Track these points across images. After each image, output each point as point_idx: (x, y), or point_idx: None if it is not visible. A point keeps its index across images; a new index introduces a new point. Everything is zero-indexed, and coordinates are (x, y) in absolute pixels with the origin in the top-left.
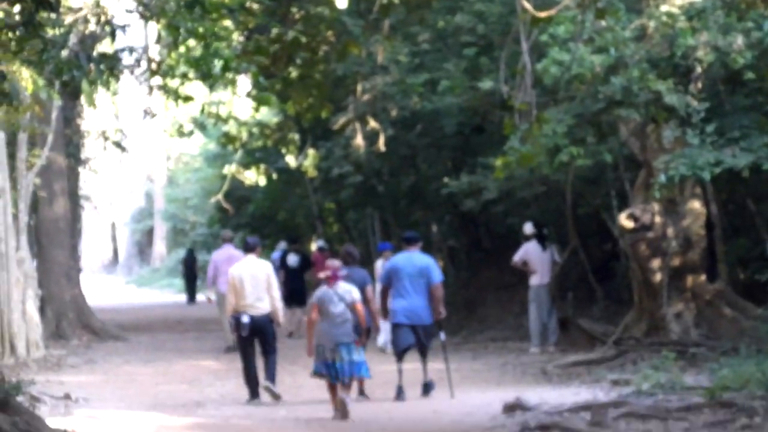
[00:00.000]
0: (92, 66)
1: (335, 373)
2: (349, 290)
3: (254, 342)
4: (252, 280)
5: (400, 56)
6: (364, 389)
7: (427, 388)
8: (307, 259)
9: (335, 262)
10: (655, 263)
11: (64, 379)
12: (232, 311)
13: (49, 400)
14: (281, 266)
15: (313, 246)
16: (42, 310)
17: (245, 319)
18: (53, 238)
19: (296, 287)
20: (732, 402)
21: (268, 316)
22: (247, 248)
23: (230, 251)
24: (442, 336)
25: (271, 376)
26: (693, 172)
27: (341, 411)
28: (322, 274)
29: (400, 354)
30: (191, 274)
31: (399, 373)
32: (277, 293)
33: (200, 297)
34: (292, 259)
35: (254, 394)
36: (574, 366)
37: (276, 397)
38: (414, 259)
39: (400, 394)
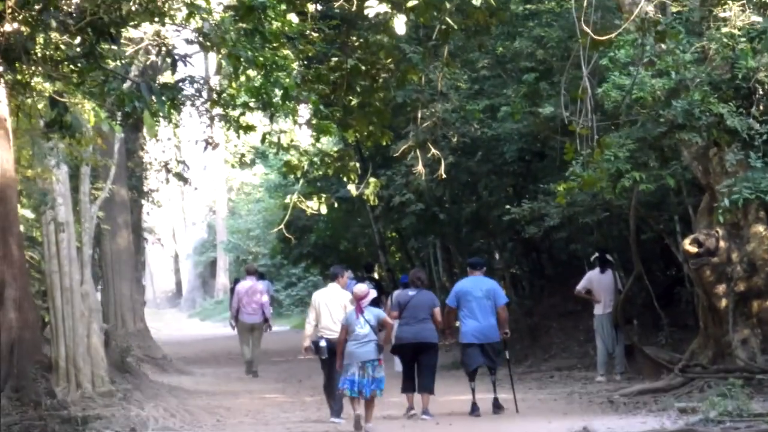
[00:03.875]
0: (154, 97)
1: (358, 388)
2: (374, 314)
3: (332, 362)
4: (329, 306)
5: (460, 82)
6: (428, 408)
7: (497, 404)
8: (381, 287)
9: (364, 289)
10: (720, 288)
11: (130, 414)
12: (310, 335)
13: None
14: None
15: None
16: (107, 344)
17: (323, 342)
18: (117, 270)
19: None
20: None
21: None
22: (330, 277)
23: (251, 283)
24: (507, 354)
25: (337, 410)
26: (756, 196)
27: (356, 425)
28: (350, 300)
29: (471, 373)
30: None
31: (472, 390)
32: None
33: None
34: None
35: (335, 412)
36: (641, 394)
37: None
38: (480, 282)
39: (474, 410)
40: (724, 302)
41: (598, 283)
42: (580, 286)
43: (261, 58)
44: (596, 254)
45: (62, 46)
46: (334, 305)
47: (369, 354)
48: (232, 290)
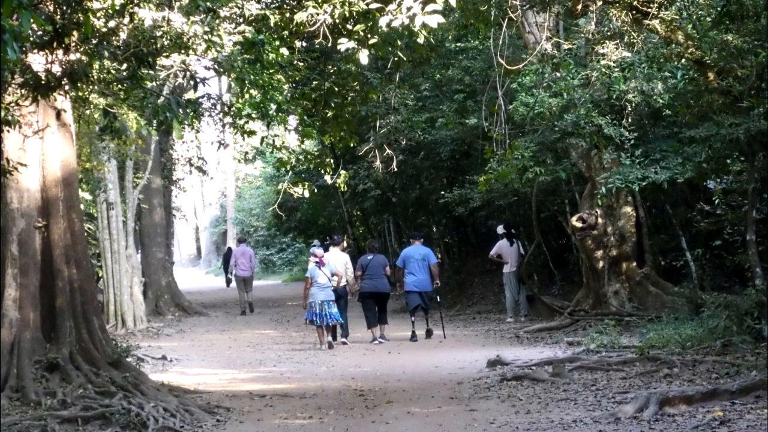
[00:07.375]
0: (180, 109)
1: (321, 319)
2: (330, 268)
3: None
4: (332, 263)
5: (408, 100)
6: (384, 334)
7: (429, 333)
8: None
9: (320, 252)
10: (599, 253)
11: (161, 345)
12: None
13: (150, 360)
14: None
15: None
16: (145, 293)
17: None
18: (152, 239)
19: None
20: (657, 357)
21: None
22: (334, 243)
23: (244, 248)
24: (438, 298)
25: (345, 332)
26: (626, 185)
27: (328, 345)
28: (313, 259)
29: (412, 311)
30: (227, 265)
31: (412, 323)
32: (352, 272)
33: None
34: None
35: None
36: (539, 331)
37: (345, 343)
38: (419, 249)
39: (413, 337)
40: (601, 264)
41: (506, 249)
42: (493, 252)
43: (260, 81)
44: (501, 227)
45: (112, 71)
46: (336, 262)
47: (327, 297)
48: (226, 256)
